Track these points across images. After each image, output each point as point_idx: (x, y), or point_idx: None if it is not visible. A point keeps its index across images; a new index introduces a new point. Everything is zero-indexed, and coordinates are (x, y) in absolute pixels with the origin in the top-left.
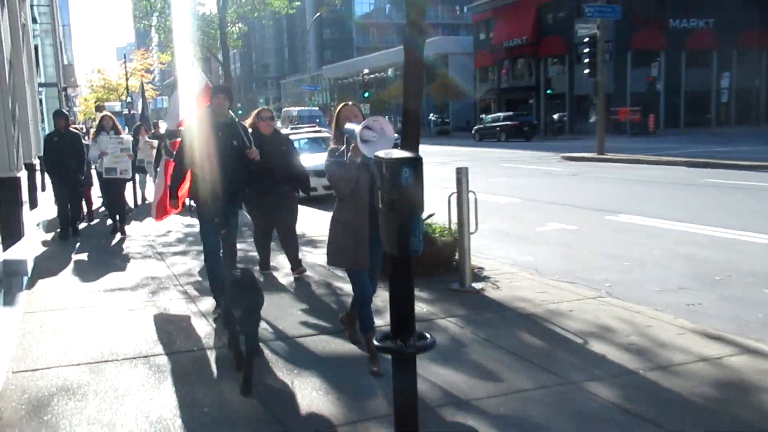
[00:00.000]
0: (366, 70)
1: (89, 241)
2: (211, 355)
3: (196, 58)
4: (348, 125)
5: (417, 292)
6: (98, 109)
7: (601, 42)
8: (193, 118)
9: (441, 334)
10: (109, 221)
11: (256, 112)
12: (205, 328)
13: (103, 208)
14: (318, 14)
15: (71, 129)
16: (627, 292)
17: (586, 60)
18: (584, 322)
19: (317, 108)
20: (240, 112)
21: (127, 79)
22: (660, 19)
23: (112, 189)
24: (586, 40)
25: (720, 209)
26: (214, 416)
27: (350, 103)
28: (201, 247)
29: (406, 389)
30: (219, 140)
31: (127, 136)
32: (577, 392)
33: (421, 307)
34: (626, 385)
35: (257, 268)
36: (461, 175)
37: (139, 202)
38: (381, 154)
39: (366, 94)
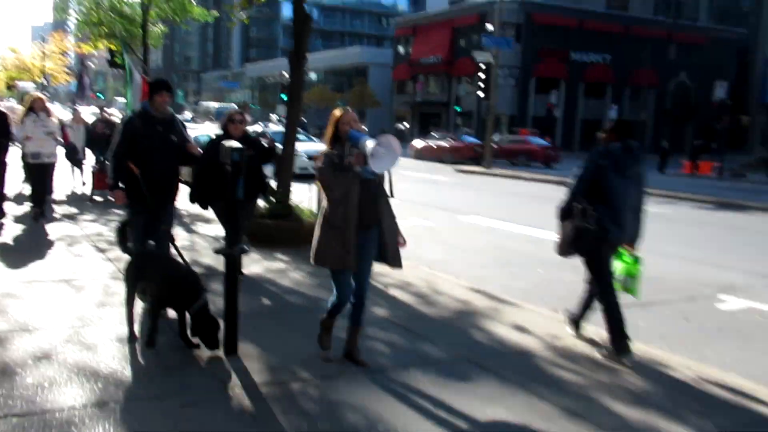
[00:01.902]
0: (285, 74)
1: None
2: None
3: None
4: (355, 133)
5: (283, 256)
6: (9, 88)
7: (494, 69)
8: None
9: (287, 278)
10: (33, 207)
11: (227, 114)
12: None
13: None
14: (244, 13)
15: None
16: (445, 267)
17: (481, 84)
18: (396, 280)
19: (236, 105)
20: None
21: (43, 60)
22: (562, 51)
23: (39, 174)
24: (482, 66)
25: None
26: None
27: (349, 109)
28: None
29: (230, 280)
30: (158, 136)
31: (53, 119)
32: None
33: (281, 264)
34: (401, 311)
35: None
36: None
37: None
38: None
39: (284, 96)
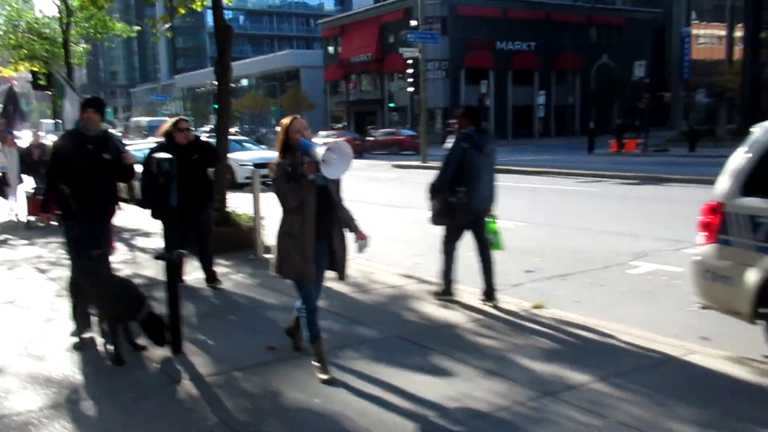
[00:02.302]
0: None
1: None
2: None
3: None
4: (305, 141)
5: (224, 261)
6: None
7: (422, 64)
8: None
9: (229, 281)
10: None
11: (172, 121)
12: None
13: None
14: (168, 25)
15: None
16: (382, 258)
17: (410, 79)
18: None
19: (167, 118)
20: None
21: None
22: (489, 42)
23: None
24: (410, 61)
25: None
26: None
27: (299, 117)
28: None
29: (171, 283)
30: (89, 154)
31: (9, 149)
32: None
33: (222, 269)
34: (338, 300)
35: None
36: (255, 176)
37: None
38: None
39: (215, 105)
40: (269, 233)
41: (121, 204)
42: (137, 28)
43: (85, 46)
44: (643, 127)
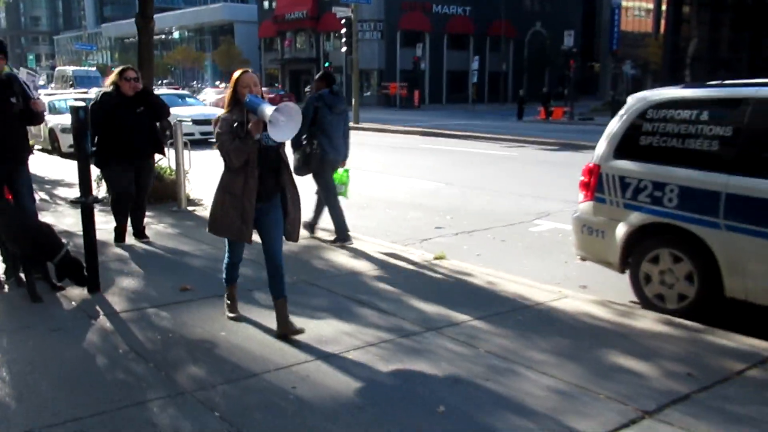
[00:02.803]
0: None
1: None
2: None
3: None
4: (252, 98)
5: (148, 212)
6: None
7: (355, 24)
8: None
9: (150, 230)
10: None
11: (118, 70)
12: None
13: None
14: None
15: None
16: (305, 216)
17: (343, 39)
18: None
19: (95, 69)
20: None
21: None
22: (425, 4)
23: None
24: (343, 21)
25: (408, 165)
26: None
27: (249, 70)
28: None
29: (87, 226)
30: None
31: None
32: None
33: (147, 220)
34: (254, 250)
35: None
36: (177, 129)
37: None
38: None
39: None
40: (193, 186)
41: (33, 149)
42: None
43: None
44: (570, 95)
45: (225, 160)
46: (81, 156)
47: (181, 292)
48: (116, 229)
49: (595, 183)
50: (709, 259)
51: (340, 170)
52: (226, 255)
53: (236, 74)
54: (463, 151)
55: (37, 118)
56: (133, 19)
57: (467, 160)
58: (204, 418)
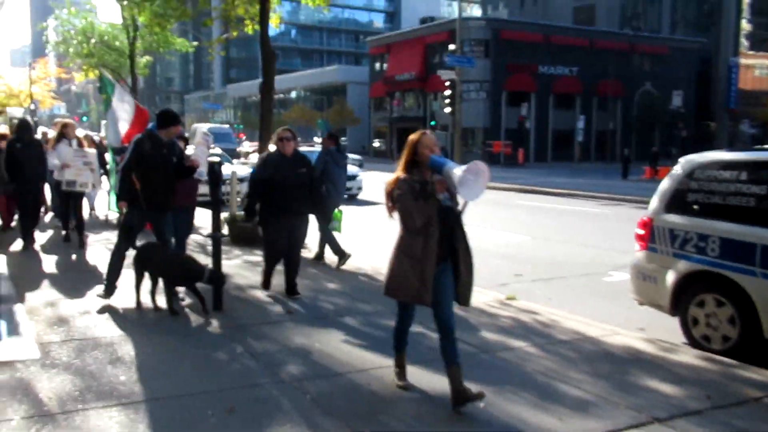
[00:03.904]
0: None
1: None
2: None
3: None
4: (436, 159)
5: (239, 252)
6: None
7: (458, 86)
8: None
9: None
10: (63, 231)
11: (277, 132)
12: None
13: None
14: (224, 35)
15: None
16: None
17: (447, 100)
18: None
19: (227, 126)
20: None
21: (30, 86)
22: (531, 66)
23: (72, 201)
24: (447, 83)
25: (500, 218)
26: None
27: (428, 132)
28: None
29: (217, 259)
30: (161, 155)
31: (91, 150)
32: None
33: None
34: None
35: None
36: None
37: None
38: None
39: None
40: None
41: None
42: (195, 43)
43: (148, 57)
44: (680, 155)
45: (405, 221)
46: (213, 201)
47: (287, 314)
48: (262, 280)
49: (648, 234)
50: (748, 304)
51: (336, 210)
52: (397, 321)
53: (415, 136)
54: (557, 208)
55: (188, 172)
56: (254, 81)
57: (559, 216)
58: (298, 397)
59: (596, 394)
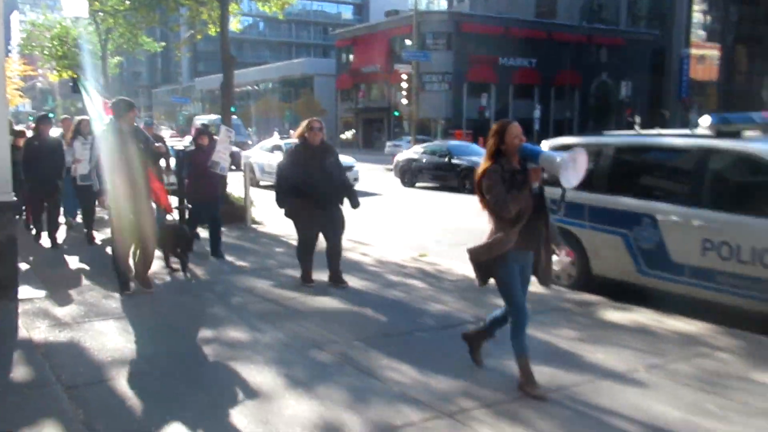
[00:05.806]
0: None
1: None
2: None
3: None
4: (529, 147)
5: (224, 229)
6: None
7: (414, 78)
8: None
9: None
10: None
11: (306, 122)
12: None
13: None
14: (190, 33)
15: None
16: None
17: (404, 92)
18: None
19: (235, 117)
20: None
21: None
22: (492, 57)
23: (86, 196)
24: (404, 76)
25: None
26: None
27: (512, 120)
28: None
29: (214, 230)
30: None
31: None
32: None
33: (224, 232)
34: None
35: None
36: (246, 169)
37: None
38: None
39: (232, 109)
40: (257, 209)
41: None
42: (163, 44)
43: (119, 58)
44: None
45: (498, 211)
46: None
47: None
48: (302, 273)
49: None
50: (581, 250)
51: None
52: (501, 312)
53: (500, 125)
54: None
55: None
56: (221, 74)
57: None
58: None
59: (456, 309)
